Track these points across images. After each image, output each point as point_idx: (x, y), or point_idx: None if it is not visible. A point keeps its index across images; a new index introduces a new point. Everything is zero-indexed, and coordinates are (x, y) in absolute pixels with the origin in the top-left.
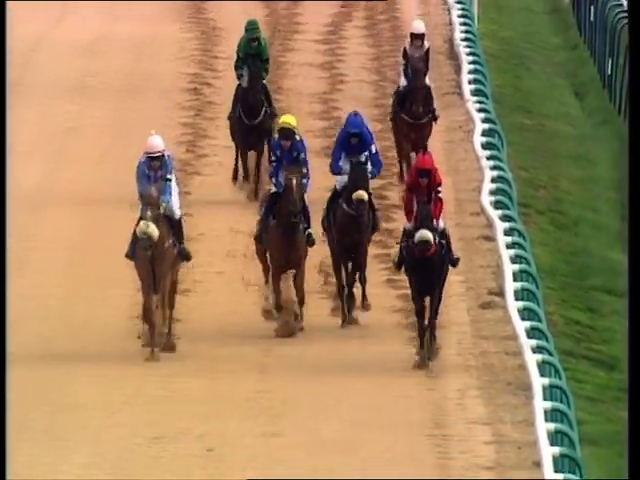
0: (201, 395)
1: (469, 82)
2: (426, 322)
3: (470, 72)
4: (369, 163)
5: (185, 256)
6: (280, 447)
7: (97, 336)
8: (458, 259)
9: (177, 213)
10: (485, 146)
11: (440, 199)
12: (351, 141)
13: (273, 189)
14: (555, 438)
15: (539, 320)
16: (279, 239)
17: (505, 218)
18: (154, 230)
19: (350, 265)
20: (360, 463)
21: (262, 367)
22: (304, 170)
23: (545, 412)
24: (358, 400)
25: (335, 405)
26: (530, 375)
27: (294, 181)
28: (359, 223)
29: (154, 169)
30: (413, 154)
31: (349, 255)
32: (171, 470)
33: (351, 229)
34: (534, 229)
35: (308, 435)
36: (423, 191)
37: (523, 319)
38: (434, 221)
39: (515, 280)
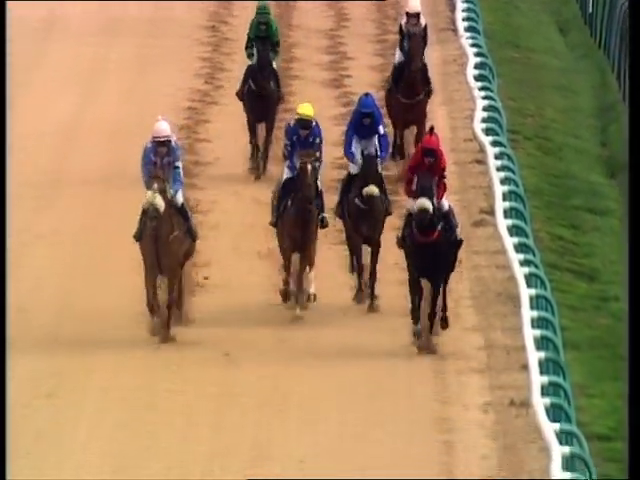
0: (217, 308)
1: (463, 19)
2: (427, 307)
3: (464, 10)
4: (378, 147)
5: (192, 235)
6: (290, 352)
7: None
8: (461, 240)
9: (180, 201)
10: (477, 78)
11: (444, 184)
12: (363, 121)
13: (287, 173)
14: (541, 343)
15: (526, 236)
16: (292, 223)
17: (495, 143)
18: (160, 200)
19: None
20: (362, 361)
21: (275, 283)
22: (317, 154)
23: (532, 320)
24: (360, 309)
25: (337, 312)
26: (518, 286)
27: (309, 165)
28: (372, 216)
29: (160, 155)
30: (410, 129)
31: (364, 243)
32: (191, 372)
33: (364, 222)
34: (522, 153)
35: (314, 341)
36: (426, 171)
37: (511, 235)
38: (434, 190)
39: (504, 200)
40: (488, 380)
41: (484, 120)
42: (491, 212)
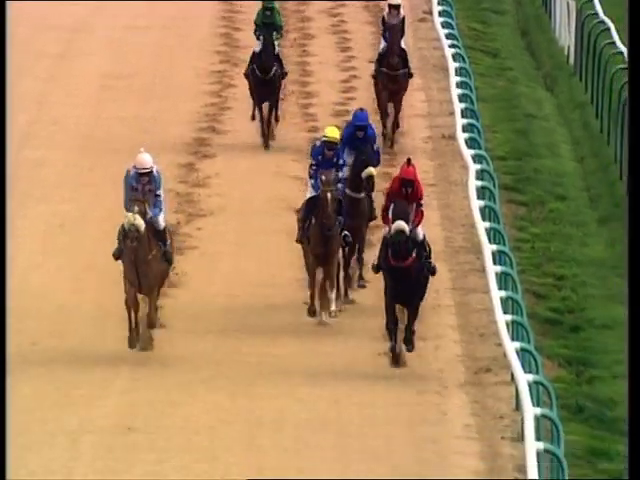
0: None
1: None
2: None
3: None
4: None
5: (168, 259)
6: None
7: None
8: (435, 267)
9: (161, 225)
10: None
11: (421, 211)
12: (357, 134)
13: (310, 192)
14: (463, 97)
15: (452, 28)
16: (315, 241)
17: None
18: (141, 222)
19: (347, 249)
20: None
21: None
22: (340, 174)
23: (456, 83)
24: None
25: None
26: (447, 59)
27: (329, 194)
28: (359, 208)
29: (142, 183)
30: (391, 104)
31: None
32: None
33: (352, 213)
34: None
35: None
36: (403, 200)
37: (443, 27)
38: (410, 216)
39: (438, 5)
40: (428, 122)
41: None
42: (430, 13)
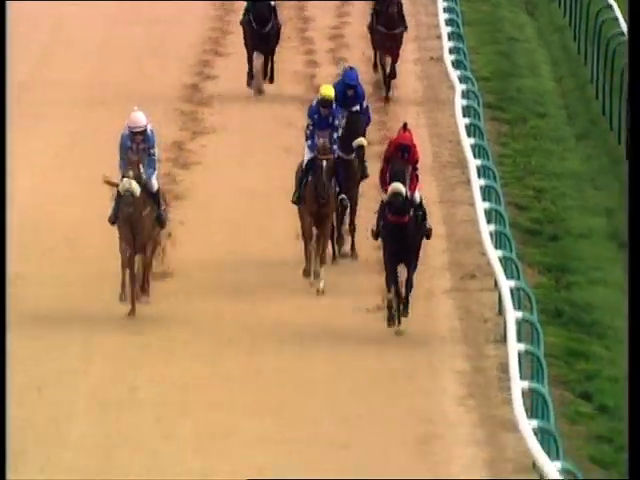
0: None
1: None
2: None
3: None
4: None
5: (161, 222)
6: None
7: None
8: (430, 229)
9: (155, 186)
10: None
11: (417, 176)
12: (347, 92)
13: (307, 153)
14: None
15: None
16: (313, 200)
17: None
18: (136, 186)
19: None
20: None
21: None
22: (335, 135)
23: (444, 8)
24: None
25: None
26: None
27: (324, 163)
28: (350, 169)
29: (136, 142)
30: (389, 59)
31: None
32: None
33: (343, 174)
34: None
35: None
36: (400, 164)
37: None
38: (407, 177)
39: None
40: (417, 45)
41: None
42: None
